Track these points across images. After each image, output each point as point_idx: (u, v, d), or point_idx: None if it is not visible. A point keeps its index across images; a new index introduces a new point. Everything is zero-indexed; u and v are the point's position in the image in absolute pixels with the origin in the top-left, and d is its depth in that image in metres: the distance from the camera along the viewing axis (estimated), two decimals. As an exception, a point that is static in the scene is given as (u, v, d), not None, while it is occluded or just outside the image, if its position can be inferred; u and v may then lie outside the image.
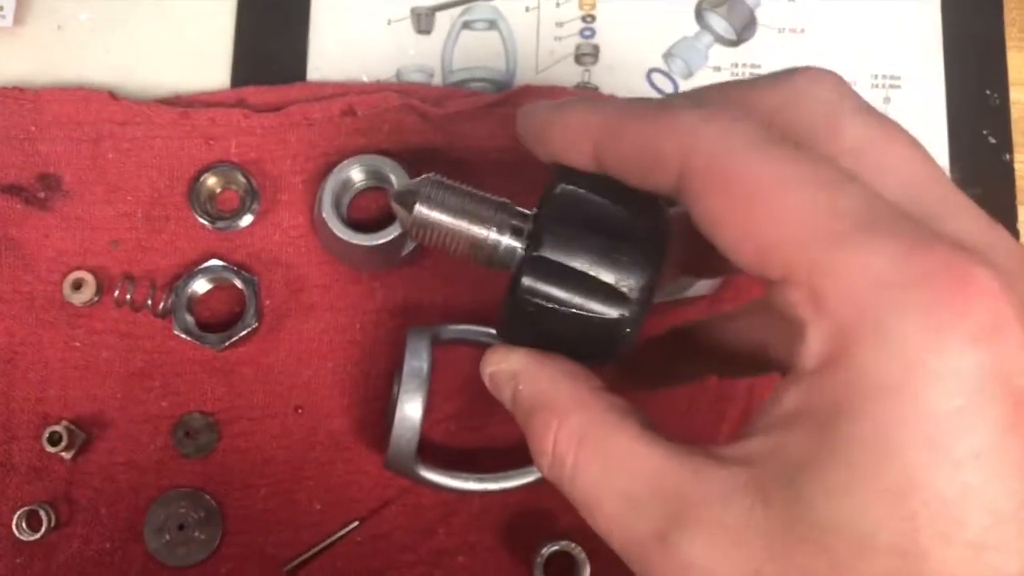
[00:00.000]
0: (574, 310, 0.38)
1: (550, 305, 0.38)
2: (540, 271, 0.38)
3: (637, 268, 0.38)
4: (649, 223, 0.39)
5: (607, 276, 0.37)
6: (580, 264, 0.38)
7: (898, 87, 0.68)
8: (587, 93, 0.67)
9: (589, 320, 0.38)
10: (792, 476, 0.30)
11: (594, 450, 0.35)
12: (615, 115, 0.37)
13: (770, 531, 0.30)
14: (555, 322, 0.38)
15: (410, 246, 0.61)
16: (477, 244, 0.40)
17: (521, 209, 0.40)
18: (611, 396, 0.37)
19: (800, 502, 0.30)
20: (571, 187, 0.38)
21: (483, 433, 0.61)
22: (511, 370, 0.39)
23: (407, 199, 0.40)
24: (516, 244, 0.39)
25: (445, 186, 0.41)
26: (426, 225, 0.40)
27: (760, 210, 0.31)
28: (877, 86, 0.68)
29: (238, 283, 0.61)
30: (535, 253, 0.37)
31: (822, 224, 0.30)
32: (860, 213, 0.30)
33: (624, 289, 0.37)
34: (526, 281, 0.38)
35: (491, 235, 0.40)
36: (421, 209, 0.40)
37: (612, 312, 0.38)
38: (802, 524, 0.30)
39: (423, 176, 0.41)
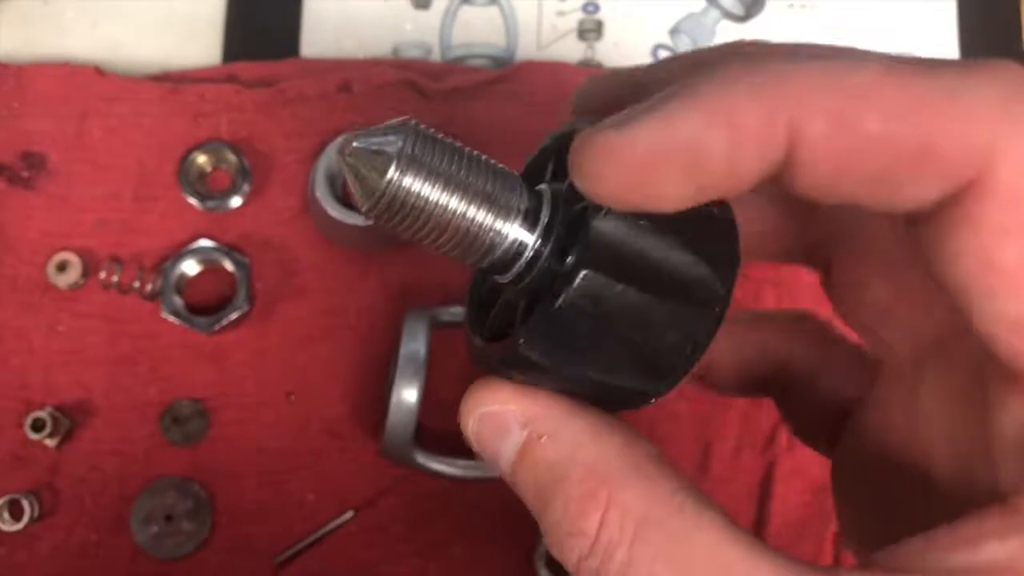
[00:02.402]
0: (637, 330, 0.27)
1: (606, 320, 0.27)
2: (602, 264, 0.27)
3: (726, 251, 0.28)
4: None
5: (688, 266, 0.27)
6: (655, 249, 0.27)
7: (911, 64, 0.66)
8: (593, 71, 0.65)
9: (653, 343, 0.28)
10: None
11: (664, 544, 0.26)
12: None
13: None
14: (601, 346, 0.27)
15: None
16: (473, 233, 0.28)
17: (526, 185, 0.29)
18: (676, 471, 0.27)
19: None
20: None
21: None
22: (525, 413, 0.28)
23: (375, 157, 0.26)
24: (529, 237, 0.28)
25: (431, 140, 0.27)
26: (400, 198, 0.27)
27: None
28: (890, 63, 0.66)
29: (228, 265, 0.59)
30: (599, 227, 0.26)
31: None
32: None
33: (710, 290, 0.27)
34: (586, 277, 0.26)
35: (497, 222, 0.27)
36: (397, 177, 0.26)
37: (702, 313, 0.28)
38: None
39: (398, 120, 0.27)
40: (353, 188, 0.27)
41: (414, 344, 0.54)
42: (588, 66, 0.65)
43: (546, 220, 0.28)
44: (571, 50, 0.66)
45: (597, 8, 0.66)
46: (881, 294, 0.33)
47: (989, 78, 0.24)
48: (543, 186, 0.29)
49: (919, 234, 0.25)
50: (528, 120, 0.62)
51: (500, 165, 0.28)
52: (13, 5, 0.65)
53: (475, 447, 0.30)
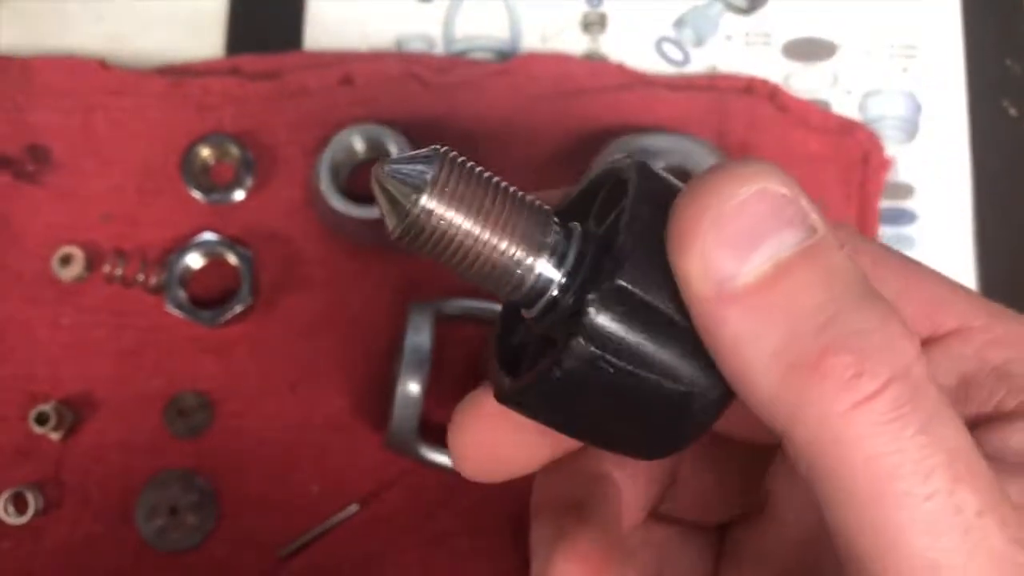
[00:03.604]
0: (654, 376, 0.27)
1: (619, 365, 0.26)
2: (617, 310, 0.26)
3: None
4: None
5: (691, 352, 0.27)
6: (667, 306, 0.26)
7: (914, 56, 0.66)
8: (597, 63, 0.65)
9: (665, 394, 0.27)
10: None
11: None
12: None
13: None
14: (614, 391, 0.27)
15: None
16: (502, 266, 0.27)
17: (557, 221, 0.28)
18: None
19: None
20: (656, 185, 0.28)
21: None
22: (819, 218, 0.26)
23: (405, 181, 0.27)
24: (555, 275, 0.28)
25: (465, 170, 0.27)
26: (430, 225, 0.27)
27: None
28: (894, 55, 0.66)
29: (232, 258, 0.59)
30: (616, 282, 0.26)
31: None
32: None
33: (711, 375, 0.27)
34: (601, 321, 0.26)
35: (524, 257, 0.27)
36: (428, 203, 0.26)
37: (712, 382, 0.27)
38: None
39: (431, 148, 0.27)
40: (384, 211, 0.27)
41: (418, 337, 0.54)
42: (592, 59, 0.65)
43: (573, 261, 0.28)
44: (575, 43, 0.65)
45: (600, 1, 0.66)
46: None
47: None
48: (575, 225, 0.29)
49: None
50: (532, 113, 0.62)
51: (531, 198, 0.28)
52: (17, -2, 0.65)
53: (725, 216, 0.25)
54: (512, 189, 0.28)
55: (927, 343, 0.32)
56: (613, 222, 0.28)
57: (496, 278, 0.28)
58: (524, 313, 0.29)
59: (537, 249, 0.27)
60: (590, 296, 0.26)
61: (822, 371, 0.25)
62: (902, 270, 0.33)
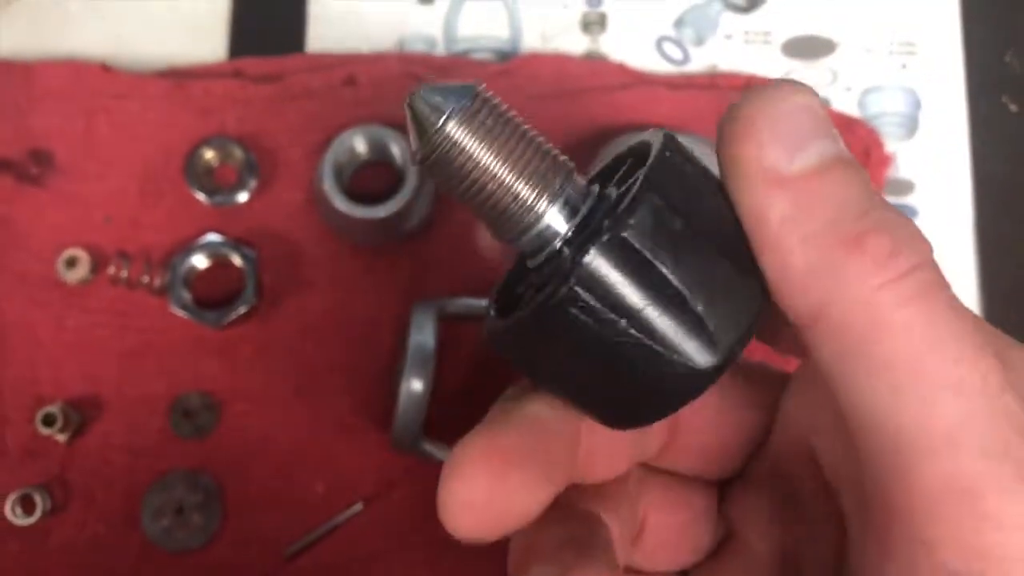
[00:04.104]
0: (644, 338, 0.27)
1: (610, 317, 0.27)
2: (616, 260, 0.27)
3: (744, 300, 0.28)
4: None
5: (700, 302, 0.28)
6: (673, 273, 0.27)
7: (913, 53, 0.66)
8: (598, 63, 0.65)
9: (658, 360, 0.28)
10: None
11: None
12: None
13: None
14: (601, 348, 0.28)
15: (415, 218, 0.59)
16: (514, 207, 0.28)
17: (578, 177, 0.29)
18: None
19: None
20: (677, 158, 0.29)
21: (492, 409, 0.59)
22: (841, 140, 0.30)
23: (435, 107, 0.28)
24: (563, 226, 0.29)
25: (495, 108, 0.28)
26: (451, 153, 0.28)
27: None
28: (893, 52, 0.66)
29: (236, 259, 0.59)
30: (620, 233, 0.27)
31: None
32: None
33: (717, 329, 0.28)
34: (593, 266, 0.27)
35: (536, 202, 0.28)
36: (453, 132, 0.27)
37: (697, 358, 0.28)
38: None
39: (468, 83, 0.28)
40: (410, 134, 0.28)
41: (422, 335, 0.54)
42: (592, 58, 0.65)
43: (583, 215, 0.29)
44: (575, 43, 0.66)
45: (600, 1, 0.66)
46: None
47: None
48: (594, 185, 0.30)
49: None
50: (532, 113, 0.61)
51: (556, 151, 0.29)
52: (22, 2, 0.65)
53: (778, 119, 0.28)
54: (539, 138, 0.29)
55: None
56: (631, 185, 0.29)
57: (507, 219, 0.29)
58: (528, 263, 0.30)
59: (552, 197, 0.28)
60: (604, 235, 0.27)
61: (862, 247, 0.27)
62: None
